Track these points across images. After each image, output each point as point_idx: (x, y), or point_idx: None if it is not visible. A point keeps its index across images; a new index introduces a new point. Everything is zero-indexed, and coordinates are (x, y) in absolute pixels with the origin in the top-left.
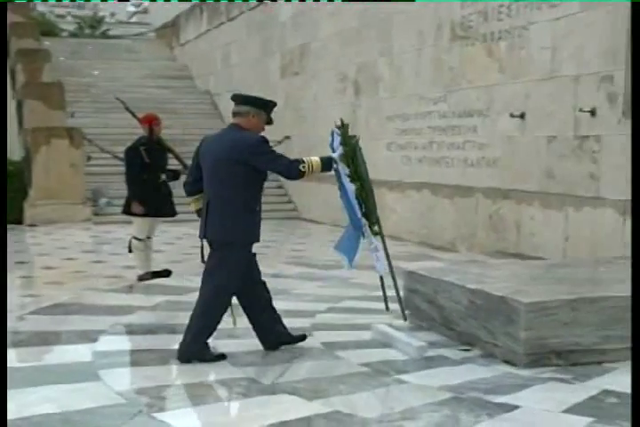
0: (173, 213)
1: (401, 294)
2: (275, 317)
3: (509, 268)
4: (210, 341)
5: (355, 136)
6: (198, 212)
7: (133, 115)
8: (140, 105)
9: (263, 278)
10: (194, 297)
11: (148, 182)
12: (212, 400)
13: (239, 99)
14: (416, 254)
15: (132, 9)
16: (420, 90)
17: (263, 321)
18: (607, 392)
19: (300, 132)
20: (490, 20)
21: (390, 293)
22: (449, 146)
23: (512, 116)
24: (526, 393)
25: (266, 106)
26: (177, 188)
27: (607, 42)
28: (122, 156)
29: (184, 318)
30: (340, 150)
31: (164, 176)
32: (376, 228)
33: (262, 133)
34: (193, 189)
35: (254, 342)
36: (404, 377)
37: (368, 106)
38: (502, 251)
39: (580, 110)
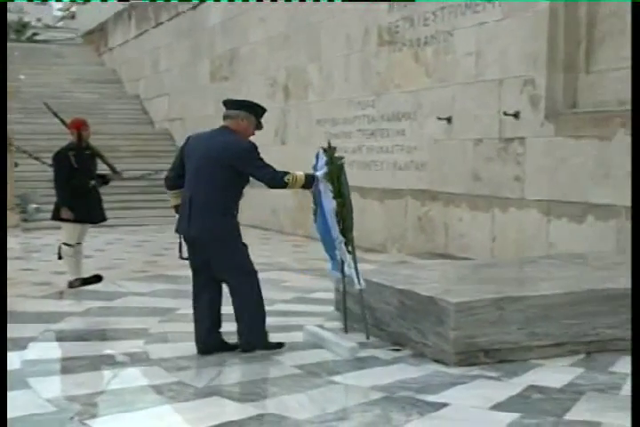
0: (103, 219)
1: (350, 303)
2: (218, 322)
3: (438, 268)
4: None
5: (342, 157)
6: (176, 207)
7: (61, 120)
8: (68, 110)
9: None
10: (125, 302)
11: (76, 188)
12: (143, 406)
13: (230, 103)
14: None
15: (58, 14)
16: (348, 94)
17: (208, 322)
18: (533, 388)
19: None
20: (416, 25)
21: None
22: (378, 149)
23: (439, 119)
24: (456, 391)
25: (255, 111)
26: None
27: (528, 47)
28: (50, 162)
29: (115, 324)
30: (324, 169)
31: (93, 181)
32: (349, 247)
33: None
34: (174, 184)
35: (186, 346)
36: (336, 378)
37: (298, 110)
38: (431, 252)
39: (505, 114)
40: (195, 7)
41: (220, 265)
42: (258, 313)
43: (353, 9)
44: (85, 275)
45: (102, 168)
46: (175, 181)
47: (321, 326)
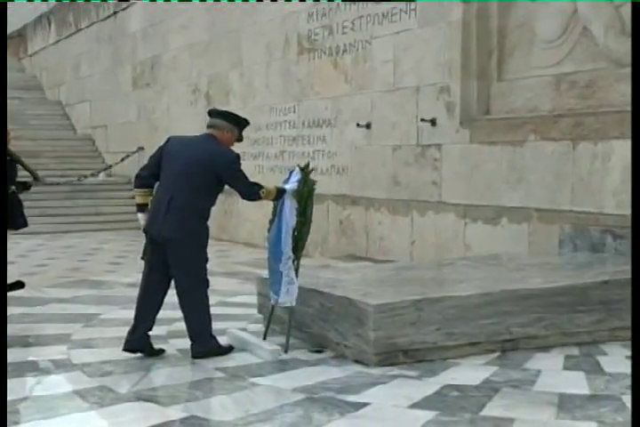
0: (25, 225)
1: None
2: (153, 324)
3: (359, 271)
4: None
5: (315, 181)
6: (140, 205)
7: None
8: None
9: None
10: (48, 309)
11: None
12: (66, 411)
13: (217, 113)
14: None
15: None
16: (270, 101)
17: (145, 321)
18: (450, 386)
19: (153, 143)
20: (335, 33)
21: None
22: (299, 155)
23: (359, 126)
24: (376, 391)
25: (240, 124)
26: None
27: (443, 56)
28: None
29: (39, 330)
30: (294, 186)
31: (13, 187)
32: (296, 264)
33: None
34: (143, 183)
35: (110, 352)
36: (258, 380)
37: None
38: (353, 255)
39: (422, 120)
40: (116, 13)
41: (181, 266)
42: (206, 319)
43: (273, 17)
44: (8, 281)
45: (23, 174)
46: (147, 180)
47: (244, 330)
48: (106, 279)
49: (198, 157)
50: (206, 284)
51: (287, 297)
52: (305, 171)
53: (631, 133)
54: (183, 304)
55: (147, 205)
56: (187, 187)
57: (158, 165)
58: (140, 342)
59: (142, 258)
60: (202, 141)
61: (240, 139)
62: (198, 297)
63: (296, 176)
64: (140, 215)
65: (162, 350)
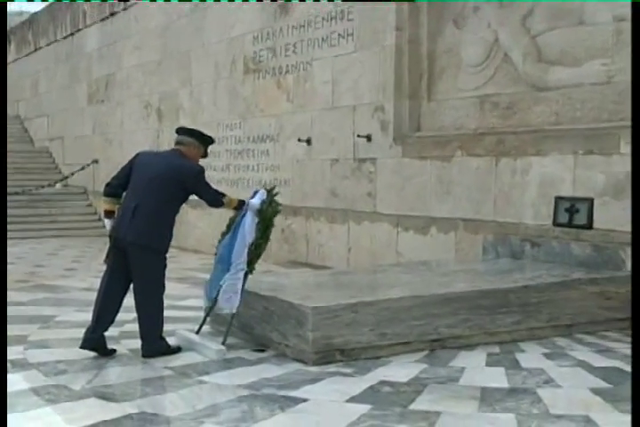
0: None
1: (207, 307)
2: (109, 325)
3: (299, 276)
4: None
5: (280, 204)
6: (107, 212)
7: None
8: None
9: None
10: (13, 311)
11: None
12: (23, 408)
13: (185, 131)
14: None
15: None
16: (217, 117)
17: (105, 322)
18: (383, 383)
19: (107, 156)
20: (278, 55)
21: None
22: (245, 168)
23: (300, 141)
24: (315, 387)
25: (206, 142)
26: None
27: (377, 77)
28: None
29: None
30: (258, 204)
31: None
32: (247, 276)
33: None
34: (112, 191)
35: (65, 351)
36: (205, 378)
37: (170, 131)
38: (294, 261)
39: (358, 136)
40: (73, 33)
41: (141, 270)
42: (158, 321)
43: (221, 39)
44: None
45: None
46: (115, 189)
47: (191, 331)
48: (61, 284)
49: (165, 169)
50: (162, 288)
51: (227, 304)
52: (271, 193)
53: (631, 134)
54: (139, 306)
55: (113, 212)
56: (152, 196)
57: (127, 176)
58: (97, 342)
59: (105, 261)
60: (169, 156)
61: (205, 155)
62: (154, 300)
63: (262, 197)
64: (106, 221)
65: (113, 350)
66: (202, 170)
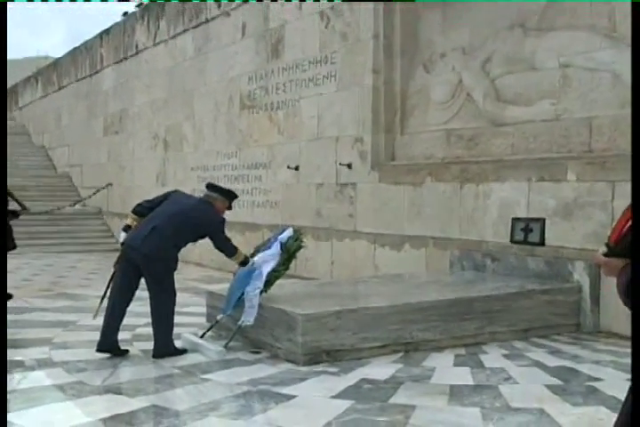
0: (14, 247)
1: (225, 318)
2: (117, 330)
3: (289, 287)
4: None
5: (304, 241)
6: (127, 226)
7: None
8: None
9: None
10: (33, 316)
11: None
12: (48, 401)
13: (213, 187)
14: (216, 278)
15: None
16: (216, 147)
17: (114, 327)
18: (364, 380)
19: (120, 181)
20: (270, 93)
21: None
22: (240, 191)
23: (289, 168)
24: (304, 384)
25: (231, 197)
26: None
27: (357, 113)
28: None
29: (25, 334)
30: (286, 238)
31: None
32: (262, 295)
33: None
34: (139, 210)
35: (85, 352)
36: (208, 376)
37: (175, 159)
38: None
39: (340, 164)
40: (92, 75)
41: (155, 278)
42: (170, 326)
43: (220, 79)
44: None
45: (13, 205)
46: (143, 209)
47: (195, 334)
48: (80, 292)
49: (191, 209)
50: (174, 296)
51: (247, 317)
52: (298, 232)
53: (631, 134)
54: (154, 311)
55: (131, 227)
56: (171, 225)
57: (158, 204)
58: (110, 345)
59: (114, 266)
60: (200, 201)
61: (230, 207)
62: (167, 307)
63: (288, 233)
64: (122, 233)
65: (126, 351)
66: (222, 220)
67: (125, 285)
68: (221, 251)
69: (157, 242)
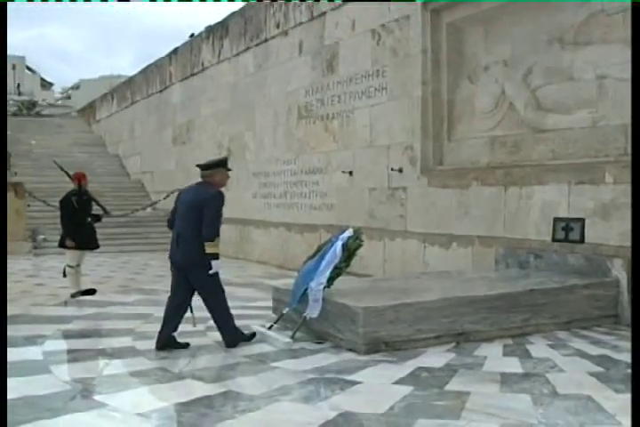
0: (96, 246)
1: (291, 312)
2: (174, 327)
3: (348, 283)
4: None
5: (363, 241)
6: None
7: (67, 173)
8: (67, 166)
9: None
10: (114, 309)
11: (77, 223)
12: (134, 386)
13: (202, 166)
14: (277, 274)
15: (58, 95)
16: (276, 154)
17: (171, 325)
18: (421, 368)
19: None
20: (326, 105)
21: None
22: (299, 195)
23: (344, 173)
24: (365, 372)
25: (220, 164)
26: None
27: (407, 122)
28: (53, 203)
29: (108, 325)
30: (346, 237)
31: (89, 218)
32: (325, 289)
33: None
34: (170, 225)
35: None
36: (277, 364)
37: (238, 166)
38: None
39: (392, 169)
40: (162, 90)
41: (198, 282)
42: (227, 316)
43: (280, 92)
44: (83, 288)
45: (96, 208)
46: (172, 223)
47: (263, 326)
48: (154, 288)
49: (193, 198)
50: (222, 291)
51: (312, 311)
52: (357, 231)
53: (631, 135)
54: (209, 310)
55: None
56: (187, 225)
57: (176, 211)
58: (166, 340)
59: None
60: (198, 187)
61: (229, 169)
62: (218, 302)
63: (349, 234)
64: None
65: (187, 344)
66: (218, 194)
67: (173, 287)
68: (204, 233)
69: (186, 250)
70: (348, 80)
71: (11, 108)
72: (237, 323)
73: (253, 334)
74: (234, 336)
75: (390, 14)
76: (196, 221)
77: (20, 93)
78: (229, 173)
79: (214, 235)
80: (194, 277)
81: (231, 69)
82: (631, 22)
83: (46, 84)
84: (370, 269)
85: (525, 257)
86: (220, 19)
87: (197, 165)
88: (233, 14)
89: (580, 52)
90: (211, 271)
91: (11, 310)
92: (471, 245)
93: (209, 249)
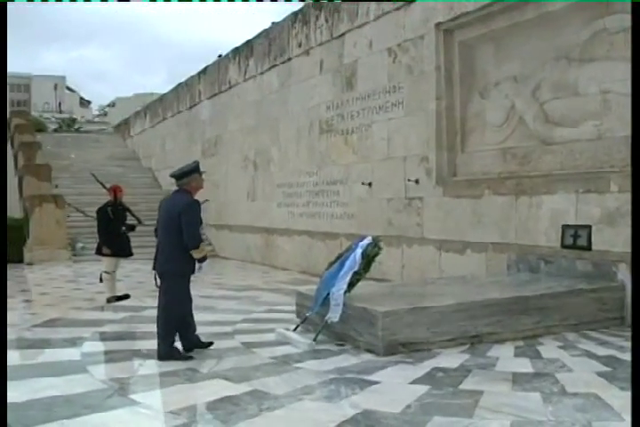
0: (131, 254)
1: (313, 315)
2: (194, 330)
3: (367, 288)
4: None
5: (382, 248)
6: None
7: (103, 186)
8: (104, 179)
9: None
10: (148, 313)
11: (113, 232)
12: (166, 385)
13: (175, 176)
14: (301, 280)
15: (96, 113)
16: (299, 166)
17: (189, 327)
18: (437, 369)
19: (216, 196)
20: (346, 119)
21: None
22: (321, 204)
23: (363, 184)
24: (384, 372)
25: (193, 170)
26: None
27: (423, 135)
28: (90, 214)
29: (142, 328)
30: (366, 244)
31: (124, 228)
32: (346, 295)
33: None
34: (157, 235)
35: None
36: (300, 365)
37: (263, 177)
38: None
39: (408, 180)
40: (191, 107)
41: (164, 287)
42: (171, 330)
43: (302, 108)
44: (118, 293)
45: (130, 219)
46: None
47: (287, 329)
48: None
49: (170, 208)
50: (182, 304)
51: (333, 314)
52: (376, 239)
53: (631, 135)
54: (159, 314)
55: None
56: (167, 234)
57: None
58: (191, 343)
59: (155, 286)
60: (173, 197)
61: (200, 178)
62: (170, 312)
63: (368, 241)
64: None
65: (211, 343)
66: (191, 202)
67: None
68: (187, 241)
69: (163, 257)
70: (367, 96)
71: (52, 125)
72: (263, 326)
73: (190, 357)
74: (169, 351)
75: (405, 34)
76: (174, 230)
77: (61, 111)
78: (203, 175)
79: (197, 243)
80: (164, 282)
81: (256, 87)
82: (631, 22)
83: (85, 102)
84: (389, 274)
85: (536, 263)
86: (246, 39)
87: (171, 175)
88: (258, 35)
89: (585, 69)
90: (201, 271)
91: (51, 313)
92: (485, 251)
93: (196, 255)
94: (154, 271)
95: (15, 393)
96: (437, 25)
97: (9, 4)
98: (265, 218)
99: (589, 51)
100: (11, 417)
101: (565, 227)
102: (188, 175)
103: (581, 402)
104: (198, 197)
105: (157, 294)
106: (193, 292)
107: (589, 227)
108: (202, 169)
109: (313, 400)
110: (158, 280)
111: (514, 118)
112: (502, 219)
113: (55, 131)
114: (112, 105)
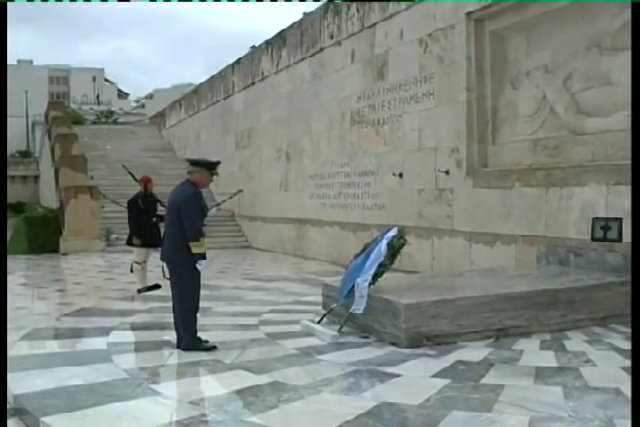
0: (161, 245)
1: (339, 307)
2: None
3: (394, 280)
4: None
5: (407, 240)
6: None
7: (133, 177)
8: (139, 170)
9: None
10: None
11: (143, 223)
12: (190, 375)
13: (191, 161)
14: (331, 271)
15: (133, 104)
16: (331, 158)
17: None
18: (459, 362)
19: (249, 187)
20: (377, 110)
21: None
22: (352, 196)
23: (394, 175)
24: (407, 365)
25: (208, 166)
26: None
27: (453, 126)
28: (125, 205)
29: (170, 318)
30: (391, 236)
31: (154, 219)
32: (371, 286)
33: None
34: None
35: (219, 334)
36: (322, 357)
37: (296, 169)
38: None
39: (439, 171)
40: (225, 98)
41: (174, 278)
42: (191, 321)
43: (333, 99)
44: (149, 284)
45: (161, 209)
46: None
47: (312, 320)
48: (215, 283)
49: (173, 199)
50: (196, 292)
51: (358, 306)
52: (402, 231)
53: (631, 139)
54: (174, 306)
55: None
56: (171, 223)
57: None
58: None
59: (164, 277)
60: (178, 187)
61: (214, 174)
62: (185, 302)
63: (394, 233)
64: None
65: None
66: (192, 195)
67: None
68: (188, 233)
69: (168, 247)
70: (398, 86)
71: (90, 117)
72: (289, 317)
73: (213, 347)
74: (191, 341)
75: (436, 24)
76: (177, 221)
77: (99, 103)
78: (214, 177)
79: (197, 236)
80: (173, 274)
81: (289, 78)
82: (631, 22)
83: (123, 94)
84: (419, 266)
85: (565, 255)
86: (278, 30)
87: (186, 159)
88: (290, 26)
89: (616, 58)
90: (198, 268)
91: (83, 303)
92: (514, 243)
93: (195, 249)
94: (162, 262)
95: (40, 381)
96: (468, 14)
97: (49, 1)
98: (297, 209)
99: (621, 40)
100: (33, 405)
101: (596, 219)
102: (198, 166)
103: (603, 398)
104: (232, 186)
105: (169, 284)
106: (223, 282)
107: (620, 219)
108: (219, 170)
109: (332, 392)
110: (167, 271)
111: (545, 109)
112: (532, 211)
113: (93, 123)
114: (150, 97)
